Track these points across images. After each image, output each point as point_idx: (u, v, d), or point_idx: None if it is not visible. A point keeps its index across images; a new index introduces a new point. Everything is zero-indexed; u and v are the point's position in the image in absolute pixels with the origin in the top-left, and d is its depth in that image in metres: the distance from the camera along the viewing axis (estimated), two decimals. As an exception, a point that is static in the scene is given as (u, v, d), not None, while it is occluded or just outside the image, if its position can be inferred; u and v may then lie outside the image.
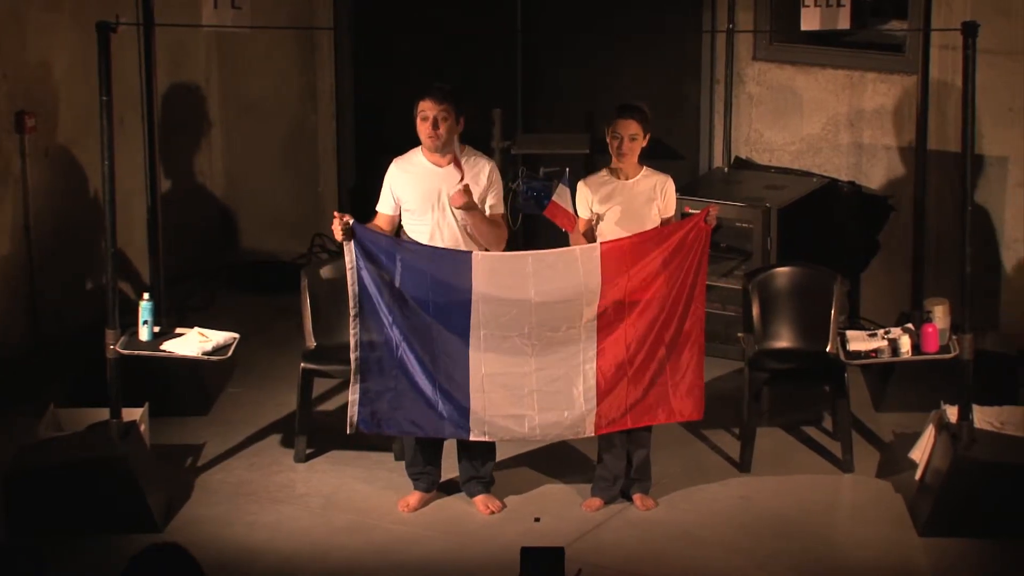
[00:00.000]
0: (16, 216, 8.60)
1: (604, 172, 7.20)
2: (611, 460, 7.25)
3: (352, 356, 6.99)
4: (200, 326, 7.52)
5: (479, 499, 7.27)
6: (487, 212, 7.09)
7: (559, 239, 7.34)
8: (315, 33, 10.11)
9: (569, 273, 6.92)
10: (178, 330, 7.48)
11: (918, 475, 7.26)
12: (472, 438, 7.04)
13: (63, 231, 8.86)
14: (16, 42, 8.58)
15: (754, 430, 7.64)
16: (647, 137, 7.13)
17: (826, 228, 9.12)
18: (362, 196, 9.70)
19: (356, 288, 6.93)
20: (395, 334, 6.96)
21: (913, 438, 7.46)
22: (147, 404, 7.57)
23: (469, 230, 7.03)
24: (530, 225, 9.08)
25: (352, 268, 6.92)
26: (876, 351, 7.26)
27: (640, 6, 9.56)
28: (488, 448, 7.25)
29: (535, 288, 6.91)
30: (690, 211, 8.12)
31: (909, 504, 7.23)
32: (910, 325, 7.41)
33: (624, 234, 7.05)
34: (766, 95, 9.41)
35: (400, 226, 7.19)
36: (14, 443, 7.32)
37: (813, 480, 7.55)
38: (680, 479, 7.50)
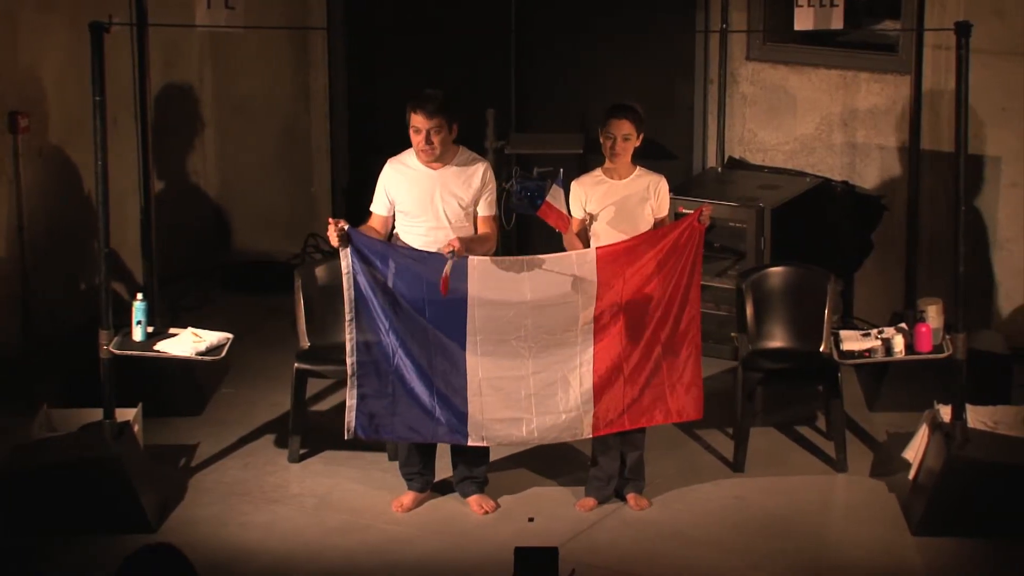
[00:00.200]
0: (9, 216, 8.59)
1: (598, 172, 7.20)
2: (605, 460, 7.25)
3: (348, 361, 6.99)
4: (194, 326, 7.52)
5: (473, 499, 7.27)
6: (480, 213, 7.09)
7: (553, 238, 7.34)
8: (308, 33, 10.11)
9: (565, 276, 6.93)
10: (171, 330, 7.47)
11: (912, 475, 7.26)
12: (470, 443, 7.04)
13: (56, 231, 8.85)
14: (9, 42, 8.57)
15: (748, 430, 7.64)
16: (640, 137, 7.13)
17: (820, 228, 9.12)
18: (355, 196, 9.71)
19: (352, 293, 6.93)
20: (391, 339, 6.96)
21: (907, 438, 7.47)
22: (141, 404, 7.56)
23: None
24: (525, 225, 9.08)
25: (348, 273, 6.91)
26: (869, 351, 7.26)
27: (633, 6, 9.55)
28: (482, 448, 7.24)
29: (531, 292, 6.91)
30: (684, 211, 8.14)
31: (903, 504, 7.24)
32: (903, 325, 7.42)
33: (618, 234, 7.05)
34: (760, 95, 9.41)
35: (394, 227, 7.19)
36: (7, 443, 7.31)
37: (807, 480, 7.55)
38: (674, 479, 7.50)
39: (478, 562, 6.83)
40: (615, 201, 7.12)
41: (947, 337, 7.19)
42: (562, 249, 7.12)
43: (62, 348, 8.39)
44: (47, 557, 6.81)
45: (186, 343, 7.34)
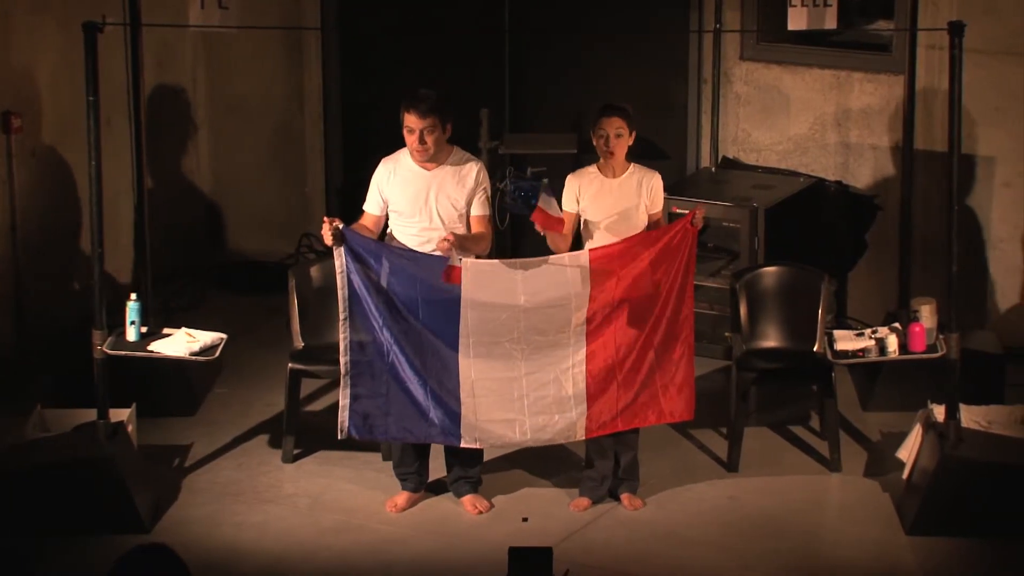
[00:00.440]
0: (2, 216, 8.58)
1: (593, 168, 7.19)
2: (599, 460, 7.25)
3: (342, 361, 6.99)
4: (188, 326, 7.51)
5: (467, 499, 7.27)
6: (474, 213, 7.08)
7: (546, 239, 7.33)
8: (302, 33, 10.10)
9: (558, 278, 6.93)
10: (165, 330, 7.47)
11: (905, 474, 7.27)
12: (463, 445, 7.04)
13: (49, 231, 8.84)
14: (2, 42, 8.56)
15: (742, 430, 7.64)
16: (632, 135, 7.13)
17: (813, 228, 9.13)
18: (349, 196, 9.70)
19: (346, 292, 6.93)
20: (385, 339, 6.95)
21: (900, 437, 7.47)
22: (134, 405, 7.56)
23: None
24: (519, 226, 9.07)
25: (342, 273, 6.91)
26: (863, 351, 7.27)
27: (628, 6, 9.56)
28: (476, 449, 7.24)
29: (524, 294, 6.92)
30: (678, 211, 8.14)
31: (896, 503, 7.24)
32: (897, 324, 7.42)
33: (611, 231, 7.06)
34: (753, 95, 9.41)
35: (387, 226, 7.19)
36: (1, 444, 7.30)
37: (801, 480, 7.55)
38: (668, 479, 7.50)
39: (472, 562, 6.83)
40: (609, 198, 7.12)
41: (941, 337, 7.19)
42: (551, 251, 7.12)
43: (55, 348, 8.39)
44: (40, 557, 6.80)
45: (180, 343, 7.34)
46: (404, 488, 7.31)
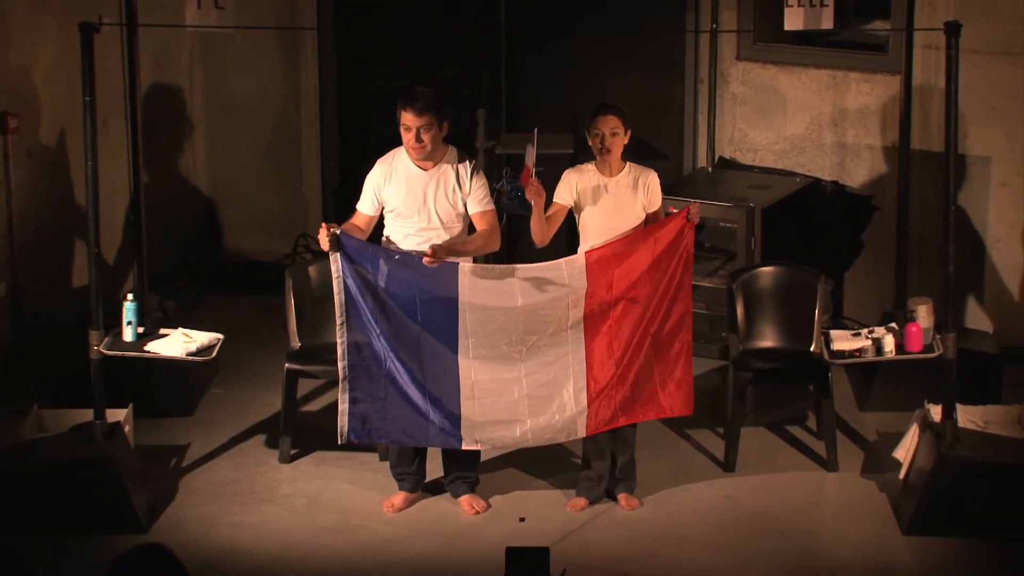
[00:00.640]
0: (-1, 216, 8.60)
1: (591, 166, 7.19)
2: (596, 460, 7.25)
3: (340, 365, 6.98)
4: (184, 326, 7.51)
5: (464, 499, 7.27)
6: (476, 210, 7.07)
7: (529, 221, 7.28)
8: (299, 33, 10.10)
9: (555, 280, 6.94)
10: (162, 331, 7.47)
11: (902, 474, 7.27)
12: (464, 447, 7.04)
13: (46, 231, 8.84)
14: (0, 42, 8.56)
15: (739, 430, 7.64)
16: (628, 134, 7.12)
17: (810, 228, 9.13)
18: (346, 196, 9.68)
19: (343, 297, 6.93)
20: (383, 343, 6.95)
21: (897, 437, 7.47)
22: (131, 405, 7.56)
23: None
24: (515, 228, 9.07)
25: (338, 277, 6.91)
26: (860, 350, 7.27)
27: (624, 7, 9.56)
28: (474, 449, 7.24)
29: (521, 295, 6.93)
30: (674, 211, 8.14)
31: (893, 503, 7.24)
32: (894, 324, 7.43)
33: (609, 230, 7.06)
34: (750, 95, 9.42)
35: (382, 227, 7.19)
36: (-2, 444, 7.32)
37: (797, 479, 7.56)
38: (665, 479, 7.51)
39: (469, 562, 6.83)
40: (607, 197, 7.12)
41: (937, 337, 7.20)
42: (550, 256, 7.12)
43: (52, 348, 8.38)
44: (37, 557, 6.80)
45: (177, 344, 7.34)
46: (401, 488, 7.31)
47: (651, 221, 7.15)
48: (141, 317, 7.45)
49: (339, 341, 6.97)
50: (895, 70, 8.70)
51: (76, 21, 6.99)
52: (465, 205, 7.07)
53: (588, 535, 7.06)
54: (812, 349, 7.73)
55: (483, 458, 7.40)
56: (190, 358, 7.33)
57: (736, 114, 9.46)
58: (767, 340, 7.88)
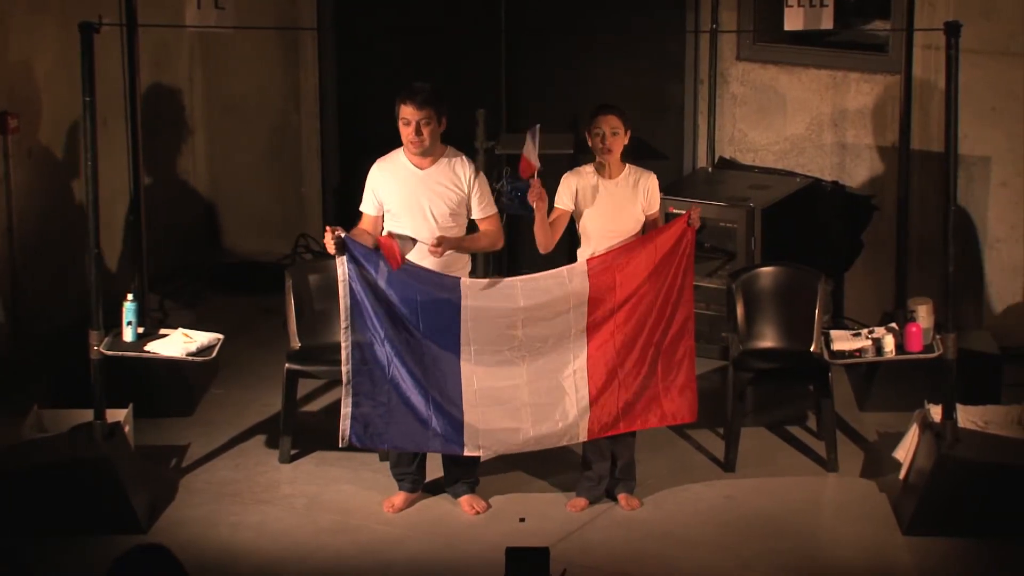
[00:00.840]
0: (-1, 216, 8.60)
1: (590, 168, 7.19)
2: (596, 461, 7.25)
3: (344, 369, 6.97)
4: (184, 327, 7.51)
5: (464, 499, 7.27)
6: (480, 215, 7.08)
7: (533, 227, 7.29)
8: (299, 33, 10.10)
9: (557, 287, 6.94)
10: (162, 331, 7.47)
11: (902, 474, 7.27)
12: (466, 453, 7.04)
13: (46, 231, 8.84)
14: (0, 42, 8.56)
15: (739, 430, 7.64)
16: (628, 134, 7.12)
17: (810, 228, 9.13)
18: (346, 196, 9.70)
19: (348, 301, 6.92)
20: (387, 348, 6.95)
21: (897, 437, 7.47)
22: (131, 405, 7.56)
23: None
24: (515, 229, 9.07)
25: (344, 281, 6.90)
26: (860, 351, 7.27)
27: (623, 6, 9.55)
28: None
29: (524, 301, 6.93)
30: (674, 212, 8.14)
31: (893, 503, 7.24)
32: (894, 325, 7.43)
33: (609, 233, 7.06)
34: (750, 95, 9.42)
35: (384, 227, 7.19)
36: (-3, 444, 7.32)
37: (797, 479, 7.56)
38: (665, 479, 7.51)
39: (469, 562, 6.83)
40: (606, 198, 7.12)
41: (937, 337, 7.20)
42: (551, 259, 7.12)
43: (52, 348, 8.38)
44: (37, 557, 6.80)
45: (177, 344, 7.34)
46: (401, 488, 7.31)
47: (649, 225, 7.15)
48: (141, 317, 7.45)
49: (343, 345, 6.96)
50: (895, 70, 8.70)
51: (76, 21, 6.99)
52: (466, 207, 7.07)
53: (588, 535, 7.06)
54: (812, 349, 7.73)
55: (483, 459, 7.40)
56: (190, 358, 7.34)
57: (736, 114, 9.46)
58: (767, 340, 7.88)
